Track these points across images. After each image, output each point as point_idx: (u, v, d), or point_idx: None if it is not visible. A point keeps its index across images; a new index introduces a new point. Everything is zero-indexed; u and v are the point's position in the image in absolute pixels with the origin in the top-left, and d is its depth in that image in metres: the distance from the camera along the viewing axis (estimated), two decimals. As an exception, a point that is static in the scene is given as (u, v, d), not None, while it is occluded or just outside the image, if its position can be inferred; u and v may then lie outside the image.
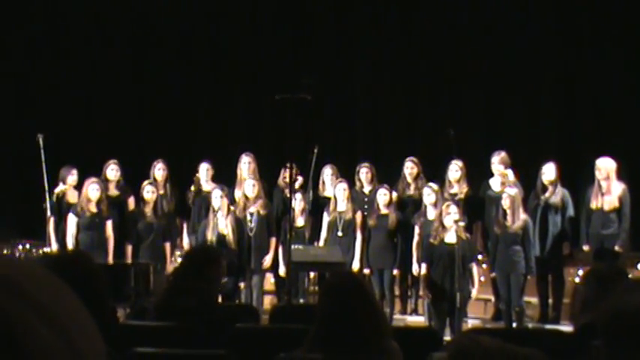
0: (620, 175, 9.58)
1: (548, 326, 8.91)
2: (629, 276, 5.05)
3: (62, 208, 9.91)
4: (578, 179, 10.63)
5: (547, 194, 9.65)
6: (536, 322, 9.54)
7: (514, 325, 8.90)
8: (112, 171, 10.10)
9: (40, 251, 10.32)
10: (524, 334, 6.24)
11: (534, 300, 9.83)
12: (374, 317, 3.42)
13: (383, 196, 9.60)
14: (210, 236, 9.39)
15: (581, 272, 8.14)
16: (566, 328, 6.43)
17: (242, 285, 9.56)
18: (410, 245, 9.42)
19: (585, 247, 9.58)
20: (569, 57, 12.25)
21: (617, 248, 9.31)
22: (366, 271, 9.61)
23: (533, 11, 12.39)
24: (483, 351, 2.08)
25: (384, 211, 9.60)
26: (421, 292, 9.25)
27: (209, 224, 9.46)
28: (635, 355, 1.58)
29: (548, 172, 9.64)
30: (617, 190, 9.44)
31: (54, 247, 9.79)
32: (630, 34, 11.83)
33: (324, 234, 9.72)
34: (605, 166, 9.44)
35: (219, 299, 6.27)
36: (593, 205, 9.47)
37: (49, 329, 0.74)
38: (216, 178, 10.25)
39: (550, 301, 9.65)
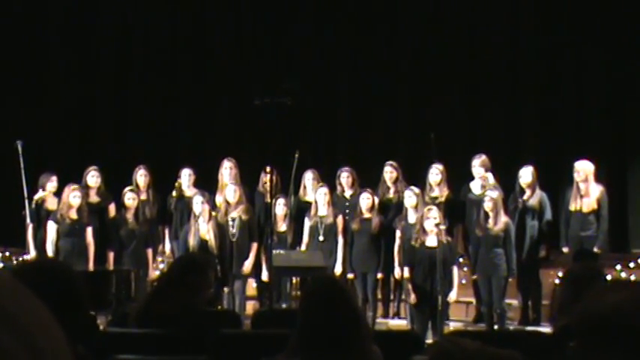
0: (598, 178, 9.67)
1: (529, 328, 8.97)
2: (608, 277, 5.10)
3: (41, 215, 9.87)
4: (558, 182, 10.71)
5: (525, 197, 9.71)
6: (518, 323, 9.60)
7: (495, 327, 8.95)
8: (93, 177, 10.07)
9: (20, 258, 10.28)
10: (506, 336, 6.26)
11: (515, 302, 9.88)
12: (354, 321, 3.44)
13: (366, 200, 9.63)
14: (192, 242, 9.38)
15: (560, 274, 8.18)
16: (547, 329, 6.48)
17: (225, 290, 9.57)
18: (392, 249, 9.45)
19: (565, 249, 9.66)
20: (547, 63, 12.32)
21: (595, 249, 9.39)
22: (350, 275, 9.64)
23: (512, 17, 12.45)
24: (464, 353, 2.09)
25: (367, 215, 9.63)
26: (405, 296, 9.27)
27: (190, 230, 9.46)
28: (607, 356, 1.61)
29: (525, 175, 9.71)
30: (595, 192, 9.52)
31: (33, 254, 9.75)
32: (607, 39, 11.92)
33: (305, 239, 9.74)
34: (584, 169, 9.52)
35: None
36: (572, 207, 9.55)
37: (10, 335, 0.76)
38: (197, 184, 10.24)
39: (530, 303, 9.71)
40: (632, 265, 10.52)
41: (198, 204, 9.47)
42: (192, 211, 9.54)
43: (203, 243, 9.36)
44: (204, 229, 9.43)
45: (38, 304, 0.83)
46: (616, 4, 11.91)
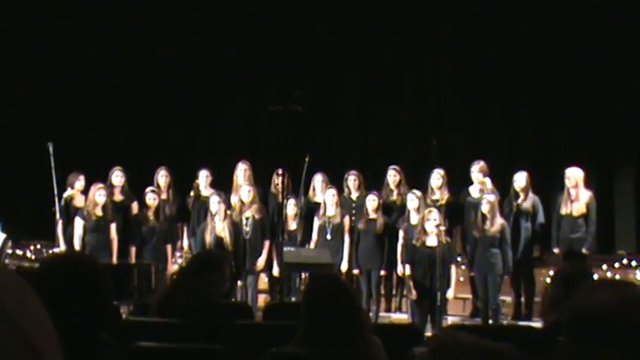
0: (588, 184, 9.66)
1: (522, 323, 8.96)
2: (595, 276, 5.10)
3: (70, 211, 9.91)
4: (551, 187, 10.70)
5: (519, 200, 9.71)
6: (511, 318, 9.58)
7: (490, 321, 8.93)
8: (117, 177, 10.11)
9: (50, 251, 10.32)
10: (499, 330, 6.26)
11: (509, 298, 9.87)
12: (354, 314, 3.44)
13: (372, 201, 9.63)
14: (209, 239, 9.40)
15: (551, 273, 8.17)
16: (538, 324, 6.46)
17: (239, 284, 9.58)
18: (395, 248, 9.45)
19: (556, 250, 9.66)
20: (541, 76, 12.32)
21: (584, 251, 9.39)
22: (355, 271, 9.64)
23: (508, 29, 12.44)
24: (460, 345, 2.10)
25: (372, 215, 9.62)
26: (406, 291, 9.27)
27: (207, 227, 9.47)
28: (593, 350, 1.61)
29: (519, 180, 9.72)
30: (584, 197, 9.51)
31: (62, 247, 9.79)
32: (598, 51, 11.90)
33: (314, 237, 9.74)
34: (574, 175, 9.52)
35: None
36: (563, 211, 9.55)
37: (8, 332, 0.76)
38: (214, 184, 10.26)
39: (522, 299, 9.70)
40: (617, 265, 10.51)
41: (215, 203, 9.49)
42: (209, 210, 9.56)
43: (219, 240, 9.37)
44: (219, 227, 9.44)
45: (37, 302, 0.83)
46: (608, 15, 11.88)
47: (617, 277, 10.09)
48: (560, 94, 12.27)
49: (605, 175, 11.65)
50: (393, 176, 10.02)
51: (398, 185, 10.01)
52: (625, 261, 10.61)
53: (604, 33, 11.93)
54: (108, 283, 2.69)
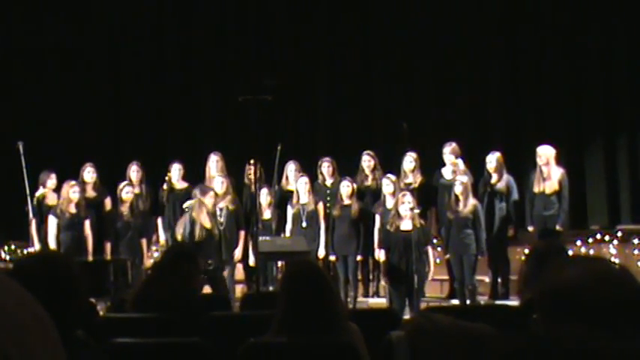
0: (559, 161, 9.73)
1: (498, 302, 9.02)
2: (569, 252, 5.13)
3: (43, 210, 9.84)
4: (523, 165, 10.76)
5: (492, 181, 9.75)
6: (488, 298, 9.65)
7: (468, 302, 8.98)
8: (89, 173, 10.07)
9: (25, 251, 10.24)
10: (477, 310, 6.29)
11: (486, 278, 9.93)
12: (330, 301, 3.44)
13: (346, 187, 9.64)
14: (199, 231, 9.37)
15: (527, 251, 8.23)
16: (515, 303, 6.51)
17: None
18: (370, 233, 9.46)
19: (530, 228, 9.72)
20: (510, 57, 12.38)
21: (558, 227, 9.46)
22: (332, 257, 9.65)
23: (477, 12, 12.47)
24: (437, 327, 2.10)
25: (347, 201, 9.63)
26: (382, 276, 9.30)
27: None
28: (564, 328, 1.62)
29: (492, 160, 9.76)
30: (556, 174, 9.58)
31: (37, 247, 9.73)
32: (569, 26, 11.98)
33: (289, 225, 9.74)
34: (545, 153, 9.57)
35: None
36: (536, 189, 9.60)
37: (3, 334, 0.75)
38: (187, 177, 10.23)
39: (499, 279, 9.76)
40: (590, 240, 10.61)
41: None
42: (183, 203, 9.52)
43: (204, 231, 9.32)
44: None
45: (31, 301, 0.82)
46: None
47: (592, 251, 10.21)
48: (528, 73, 12.33)
49: (576, 151, 11.74)
50: (367, 161, 10.05)
51: (372, 170, 10.03)
52: (598, 236, 10.71)
53: (570, 10, 11.99)
54: (82, 280, 2.67)
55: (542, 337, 1.70)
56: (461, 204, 9.15)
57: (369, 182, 10.00)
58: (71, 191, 9.51)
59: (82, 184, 9.87)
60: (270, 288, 9.34)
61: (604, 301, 1.65)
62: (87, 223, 9.61)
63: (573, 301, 1.68)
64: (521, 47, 12.32)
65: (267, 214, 9.75)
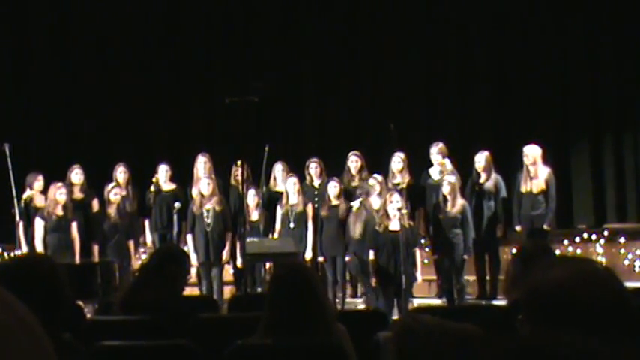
0: (546, 160, 9.75)
1: (486, 302, 9.04)
2: (557, 252, 5.15)
3: (30, 212, 9.80)
4: (510, 165, 10.79)
5: (481, 181, 9.78)
6: (476, 298, 9.66)
7: (456, 301, 9.00)
8: (77, 175, 10.03)
9: (12, 254, 10.19)
10: (464, 310, 6.31)
11: (473, 278, 9.94)
12: (318, 303, 3.45)
13: (333, 188, 9.63)
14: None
15: (514, 251, 8.25)
16: (502, 302, 6.53)
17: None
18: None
19: (518, 228, 9.75)
20: (500, 55, 12.42)
21: (545, 227, 9.49)
22: (321, 258, 9.64)
23: (463, 14, 12.50)
24: (424, 328, 2.11)
25: (334, 202, 9.63)
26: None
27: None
28: (548, 329, 1.62)
29: (480, 160, 9.78)
30: (543, 174, 9.60)
31: (24, 249, 9.69)
32: (554, 27, 12.02)
33: (277, 226, 9.73)
34: (532, 153, 9.60)
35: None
36: (523, 188, 9.63)
37: None
38: (174, 178, 10.22)
39: (487, 278, 9.78)
40: (577, 239, 10.65)
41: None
42: (171, 204, 9.50)
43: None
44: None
45: (17, 304, 0.82)
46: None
47: (578, 251, 10.25)
48: (515, 73, 12.37)
49: (562, 151, 11.78)
50: (354, 162, 10.05)
51: (359, 171, 10.03)
52: (585, 235, 10.75)
53: (555, 11, 12.04)
54: (67, 283, 2.66)
55: (529, 339, 1.71)
56: (449, 204, 9.17)
57: (355, 183, 10.00)
58: (58, 193, 9.46)
59: (70, 186, 9.83)
60: (259, 289, 9.34)
61: (588, 302, 1.66)
62: (74, 225, 9.57)
63: (557, 302, 1.69)
64: (508, 48, 12.35)
65: (254, 215, 9.74)
